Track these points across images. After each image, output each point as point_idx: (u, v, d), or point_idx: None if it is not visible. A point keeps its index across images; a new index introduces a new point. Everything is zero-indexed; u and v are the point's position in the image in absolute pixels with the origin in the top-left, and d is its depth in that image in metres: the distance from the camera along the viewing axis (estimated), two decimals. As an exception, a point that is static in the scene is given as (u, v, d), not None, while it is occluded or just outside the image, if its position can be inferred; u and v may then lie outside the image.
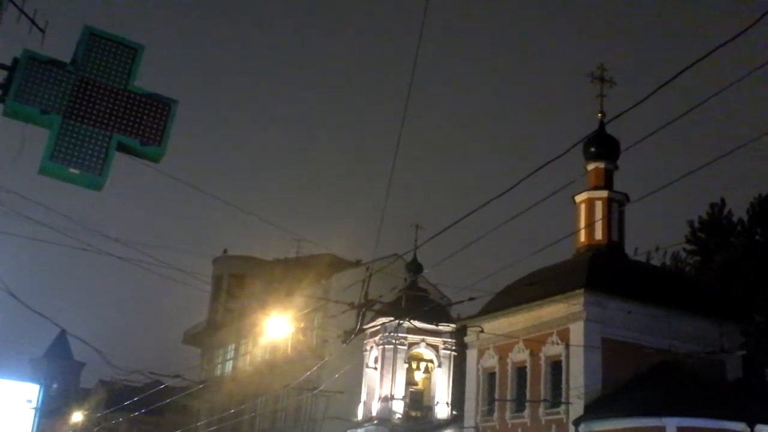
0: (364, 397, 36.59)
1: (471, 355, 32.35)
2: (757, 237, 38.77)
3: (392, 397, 35.35)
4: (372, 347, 36.82)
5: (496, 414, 30.13)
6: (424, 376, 37.13)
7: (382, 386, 35.65)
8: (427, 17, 11.27)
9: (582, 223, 31.58)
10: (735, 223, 39.96)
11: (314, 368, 34.21)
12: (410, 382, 36.50)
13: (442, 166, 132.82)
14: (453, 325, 35.85)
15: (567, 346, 27.38)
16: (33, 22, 6.85)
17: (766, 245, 37.85)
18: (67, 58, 6.55)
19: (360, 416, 36.40)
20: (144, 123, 6.63)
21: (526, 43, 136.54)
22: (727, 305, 31.45)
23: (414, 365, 36.77)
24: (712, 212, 40.74)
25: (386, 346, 35.78)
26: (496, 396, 30.25)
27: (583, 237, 31.69)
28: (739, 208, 40.41)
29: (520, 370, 29.65)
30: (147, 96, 6.72)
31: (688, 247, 40.60)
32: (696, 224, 40.98)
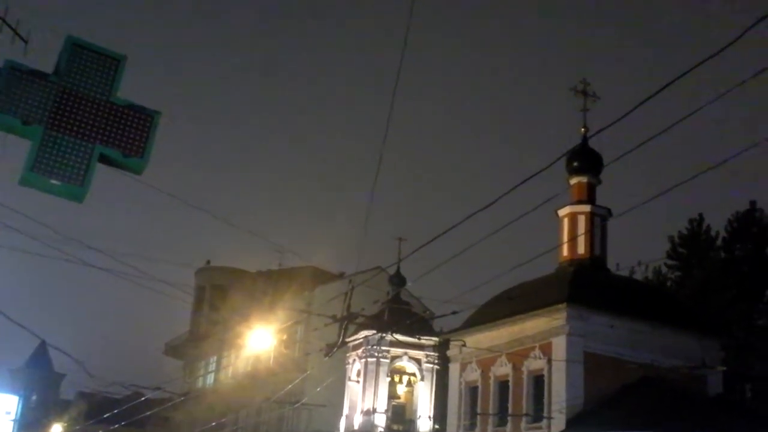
0: (346, 410, 36.44)
1: (453, 368, 32.33)
2: (737, 252, 39.04)
3: (374, 411, 35.22)
4: (354, 360, 36.71)
5: (478, 428, 30.10)
6: (406, 389, 37.01)
7: (364, 399, 35.53)
8: (410, 31, 11.31)
9: (565, 237, 31.67)
10: (714, 238, 40.24)
11: (296, 381, 34.05)
12: (392, 395, 36.36)
13: (426, 179, 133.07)
14: (436, 339, 35.78)
15: (549, 360, 27.39)
16: (15, 32, 6.82)
17: (745, 260, 38.11)
18: (49, 69, 6.53)
19: (342, 429, 36.25)
20: (126, 134, 6.60)
21: (509, 57, 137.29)
22: (708, 320, 31.61)
23: (396, 378, 36.64)
24: (691, 227, 41.00)
25: (369, 359, 35.67)
26: (479, 410, 30.24)
27: (565, 251, 31.77)
28: (719, 223, 40.73)
29: (503, 384, 29.65)
30: (130, 107, 6.69)
31: (669, 261, 40.83)
32: (676, 239, 41.23)
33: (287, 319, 40.27)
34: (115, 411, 38.20)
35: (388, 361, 35.94)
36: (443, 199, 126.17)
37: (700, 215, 41.02)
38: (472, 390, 31.09)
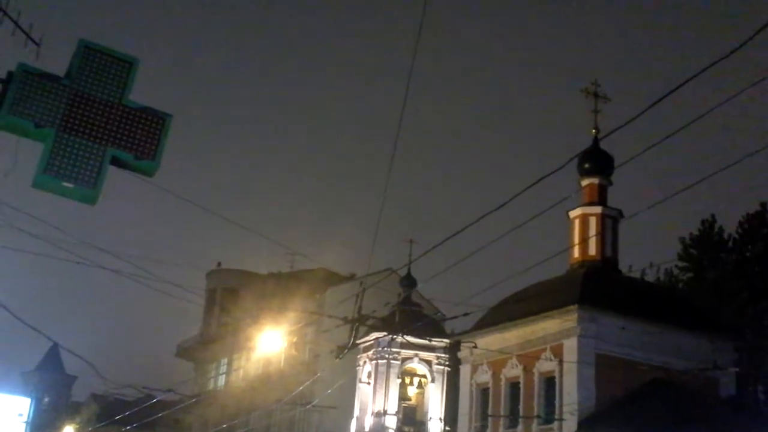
0: (357, 412, 36.44)
1: (464, 370, 32.30)
2: (748, 254, 38.87)
3: (385, 413, 35.20)
4: (365, 362, 36.69)
5: (489, 430, 30.08)
6: (417, 391, 36.96)
7: (375, 401, 35.51)
8: (422, 31, 11.32)
9: (576, 239, 31.61)
10: (726, 240, 40.07)
11: (307, 383, 34.05)
12: (403, 397, 36.33)
13: (437, 180, 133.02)
14: (446, 341, 35.74)
15: (560, 361, 27.35)
16: (28, 35, 6.86)
17: (757, 262, 37.94)
18: (62, 72, 6.56)
19: (353, 431, 36.26)
20: (138, 137, 6.63)
21: (520, 58, 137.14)
22: (720, 322, 31.49)
23: (407, 380, 36.60)
24: (703, 228, 40.83)
25: (379, 361, 35.65)
26: (490, 412, 30.21)
27: (576, 252, 31.71)
28: (731, 224, 40.53)
29: (514, 386, 29.60)
30: (141, 110, 6.72)
31: (681, 263, 40.67)
32: (687, 241, 41.07)
33: (298, 321, 40.23)
34: (127, 413, 38.28)
35: (398, 362, 35.92)
36: (454, 200, 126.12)
37: (712, 216, 40.85)
38: (483, 392, 31.05)
